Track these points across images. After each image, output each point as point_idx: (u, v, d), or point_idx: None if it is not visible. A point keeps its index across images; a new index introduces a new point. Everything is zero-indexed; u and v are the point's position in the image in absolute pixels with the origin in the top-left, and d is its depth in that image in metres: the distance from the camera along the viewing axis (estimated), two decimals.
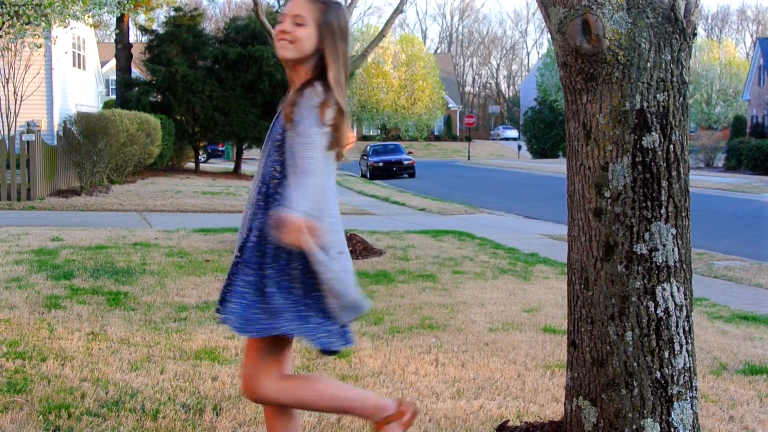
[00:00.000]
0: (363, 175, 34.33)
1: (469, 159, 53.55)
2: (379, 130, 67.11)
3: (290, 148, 2.57)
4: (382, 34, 10.65)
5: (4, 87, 18.18)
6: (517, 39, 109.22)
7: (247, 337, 2.73)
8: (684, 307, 2.85)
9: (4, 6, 14.98)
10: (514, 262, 9.29)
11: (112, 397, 3.91)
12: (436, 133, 71.16)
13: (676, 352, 2.82)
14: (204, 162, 34.21)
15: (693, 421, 2.87)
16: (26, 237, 9.93)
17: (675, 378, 2.81)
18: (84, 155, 16.81)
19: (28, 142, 15.16)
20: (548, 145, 58.50)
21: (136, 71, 33.68)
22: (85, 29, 25.40)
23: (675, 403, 2.81)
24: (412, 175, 33.24)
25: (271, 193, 2.65)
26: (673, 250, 2.82)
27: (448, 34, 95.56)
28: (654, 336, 2.80)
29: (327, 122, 2.54)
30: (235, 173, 28.46)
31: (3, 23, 15.42)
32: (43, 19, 15.50)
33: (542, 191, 24.36)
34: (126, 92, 26.15)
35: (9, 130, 17.48)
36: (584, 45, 2.76)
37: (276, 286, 2.60)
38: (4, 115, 17.66)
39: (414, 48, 66.62)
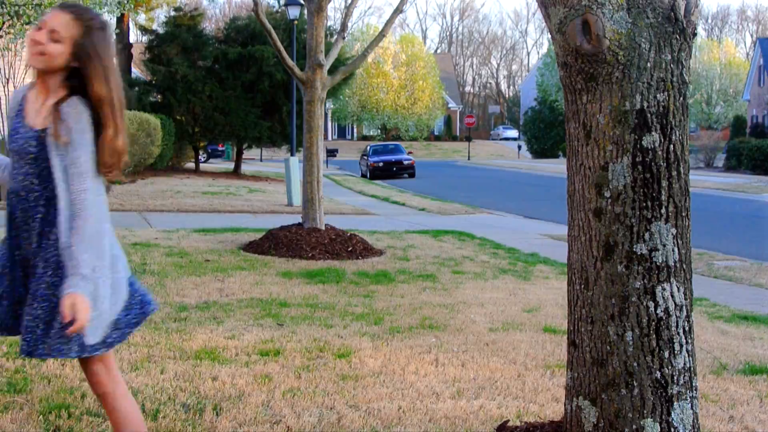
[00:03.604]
0: (363, 175, 34.34)
1: (469, 159, 53.54)
2: (379, 130, 67.11)
3: (61, 168, 2.56)
4: (382, 34, 10.65)
5: (4, 87, 18.17)
6: (517, 39, 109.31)
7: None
8: (684, 307, 2.85)
9: (4, 6, 14.98)
10: (514, 262, 9.29)
11: None
12: (436, 133, 71.14)
13: (676, 352, 2.82)
14: (204, 162, 34.20)
15: (693, 421, 2.86)
16: None
17: (675, 378, 2.81)
18: None
19: None
20: (548, 145, 58.50)
21: (136, 71, 33.68)
22: None
23: (675, 403, 2.81)
24: (412, 175, 33.24)
25: (32, 206, 2.61)
26: (673, 250, 2.81)
27: (448, 34, 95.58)
28: (654, 336, 2.80)
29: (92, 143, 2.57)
30: (235, 173, 28.45)
31: (3, 23, 15.41)
32: None
33: (542, 191, 24.36)
34: (126, 92, 26.13)
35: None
36: (584, 45, 2.76)
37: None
38: (5, 115, 17.66)
39: (414, 48, 66.61)
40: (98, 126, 2.59)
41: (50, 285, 2.56)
